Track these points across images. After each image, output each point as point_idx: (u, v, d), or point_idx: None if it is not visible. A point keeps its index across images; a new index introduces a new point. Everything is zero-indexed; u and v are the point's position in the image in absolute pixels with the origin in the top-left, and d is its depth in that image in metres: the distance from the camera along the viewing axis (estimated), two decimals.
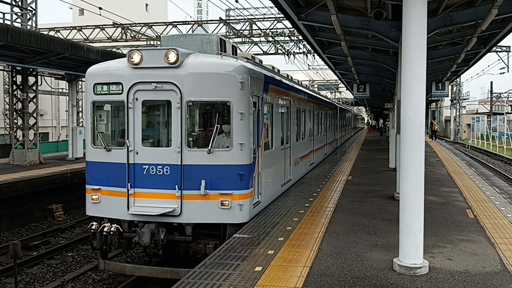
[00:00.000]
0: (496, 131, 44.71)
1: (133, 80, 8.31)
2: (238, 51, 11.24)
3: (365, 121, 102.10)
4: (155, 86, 8.21)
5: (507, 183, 18.69)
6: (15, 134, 19.30)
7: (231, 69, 8.26)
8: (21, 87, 18.71)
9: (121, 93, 8.41)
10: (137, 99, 8.35)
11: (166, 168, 8.23)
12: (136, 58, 8.25)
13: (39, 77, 20.26)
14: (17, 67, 18.25)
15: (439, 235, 7.85)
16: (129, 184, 8.32)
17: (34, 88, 19.24)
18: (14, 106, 19.16)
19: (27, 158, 18.59)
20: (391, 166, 16.34)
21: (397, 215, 6.42)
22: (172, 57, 8.11)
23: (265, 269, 6.11)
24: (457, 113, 57.75)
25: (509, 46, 37.92)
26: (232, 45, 10.32)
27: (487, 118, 52.15)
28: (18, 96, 18.77)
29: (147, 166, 8.30)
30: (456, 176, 15.41)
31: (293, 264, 6.32)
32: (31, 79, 19.10)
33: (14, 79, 18.83)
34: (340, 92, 57.85)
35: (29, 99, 18.89)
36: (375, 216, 9.29)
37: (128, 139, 8.35)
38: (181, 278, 5.86)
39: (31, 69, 18.65)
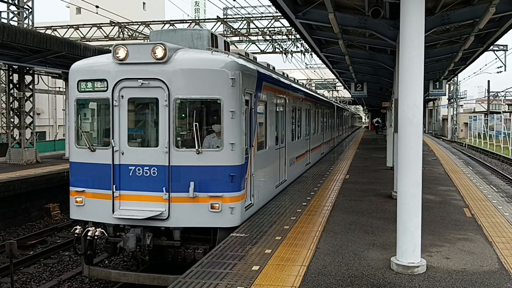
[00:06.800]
0: (493, 130, 44.82)
1: (119, 77, 7.92)
2: (235, 48, 11.10)
3: (362, 120, 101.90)
4: (142, 83, 7.80)
5: (504, 182, 18.69)
6: (12, 133, 19.22)
7: (222, 65, 7.84)
8: (17, 85, 18.65)
9: (106, 90, 8.01)
10: (122, 96, 7.96)
11: (153, 169, 7.84)
12: (121, 53, 7.83)
13: (35, 75, 20.17)
14: (14, 66, 18.17)
15: (437, 234, 7.85)
16: (114, 186, 7.94)
17: (30, 87, 19.18)
18: (11, 105, 19.08)
19: (24, 157, 18.52)
20: (389, 165, 16.37)
21: (394, 214, 6.41)
22: (159, 52, 7.69)
23: (262, 268, 6.09)
24: (455, 112, 57.92)
25: (507, 45, 38.00)
26: (225, 41, 9.88)
27: (484, 117, 52.25)
28: (15, 95, 18.70)
29: (133, 167, 7.91)
30: (454, 174, 15.41)
31: (290, 263, 6.30)
32: (28, 78, 19.04)
33: (10, 77, 18.77)
34: (337, 91, 57.95)
35: (25, 98, 18.84)
36: (373, 215, 9.28)
37: (113, 138, 7.97)
38: (173, 281, 5.70)
39: (27, 68, 18.58)
